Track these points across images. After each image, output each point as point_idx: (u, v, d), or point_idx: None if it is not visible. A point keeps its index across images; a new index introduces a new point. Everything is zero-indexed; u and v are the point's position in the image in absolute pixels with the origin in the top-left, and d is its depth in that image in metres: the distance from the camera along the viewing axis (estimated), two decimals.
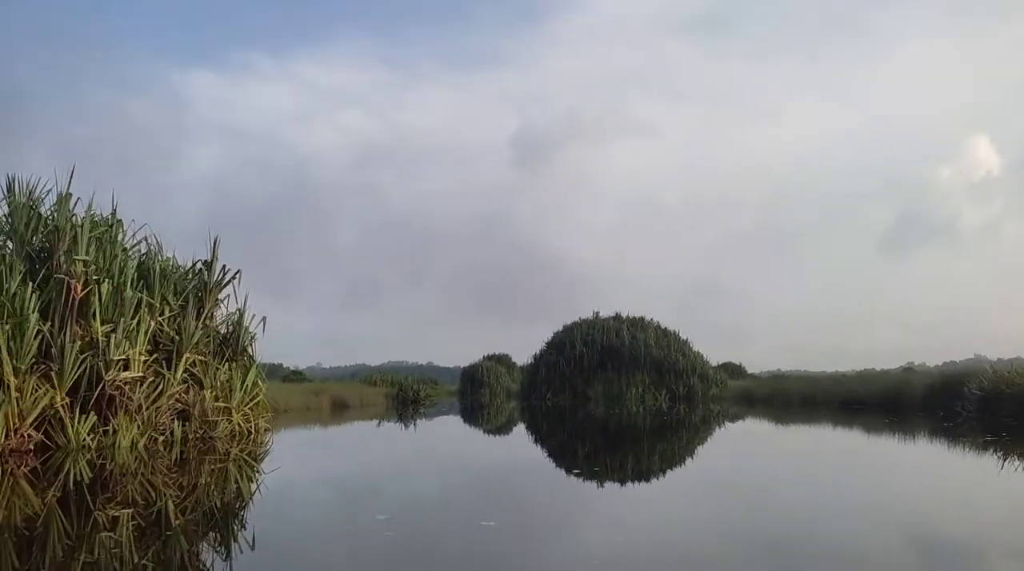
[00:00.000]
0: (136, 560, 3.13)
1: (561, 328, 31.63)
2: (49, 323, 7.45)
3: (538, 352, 31.77)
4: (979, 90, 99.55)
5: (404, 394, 24.48)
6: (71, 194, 8.27)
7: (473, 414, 21.19)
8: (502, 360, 52.20)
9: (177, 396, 8.52)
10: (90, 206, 8.38)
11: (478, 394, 44.38)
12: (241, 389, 9.46)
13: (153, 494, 4.95)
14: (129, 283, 8.27)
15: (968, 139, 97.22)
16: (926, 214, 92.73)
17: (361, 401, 22.19)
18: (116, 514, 4.18)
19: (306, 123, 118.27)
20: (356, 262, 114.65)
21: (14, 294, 7.19)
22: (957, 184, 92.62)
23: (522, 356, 51.01)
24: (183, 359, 8.65)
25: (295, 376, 41.01)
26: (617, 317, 31.51)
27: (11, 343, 6.94)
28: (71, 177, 8.32)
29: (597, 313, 31.75)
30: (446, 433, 14.07)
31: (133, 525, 3.85)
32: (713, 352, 31.90)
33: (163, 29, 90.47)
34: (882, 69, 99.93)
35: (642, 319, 31.22)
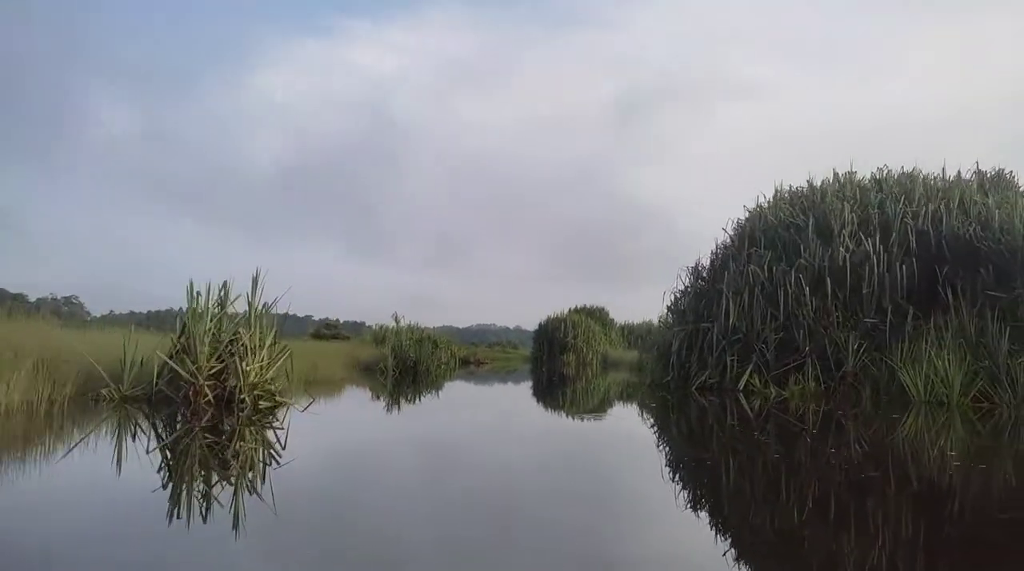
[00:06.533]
0: None
1: (772, 194, 12.07)
2: None
3: (714, 250, 12.11)
4: None
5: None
6: None
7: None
8: (595, 314, 34.21)
9: None
10: None
11: (556, 361, 27.25)
12: None
13: None
14: None
15: None
16: None
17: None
18: None
19: (394, 77, 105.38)
20: (444, 217, 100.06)
21: None
22: None
23: (623, 317, 33.22)
24: None
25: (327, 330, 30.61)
26: (930, 178, 11.78)
27: None
28: None
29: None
30: None
31: None
32: None
33: None
34: None
35: (1006, 175, 11.44)
